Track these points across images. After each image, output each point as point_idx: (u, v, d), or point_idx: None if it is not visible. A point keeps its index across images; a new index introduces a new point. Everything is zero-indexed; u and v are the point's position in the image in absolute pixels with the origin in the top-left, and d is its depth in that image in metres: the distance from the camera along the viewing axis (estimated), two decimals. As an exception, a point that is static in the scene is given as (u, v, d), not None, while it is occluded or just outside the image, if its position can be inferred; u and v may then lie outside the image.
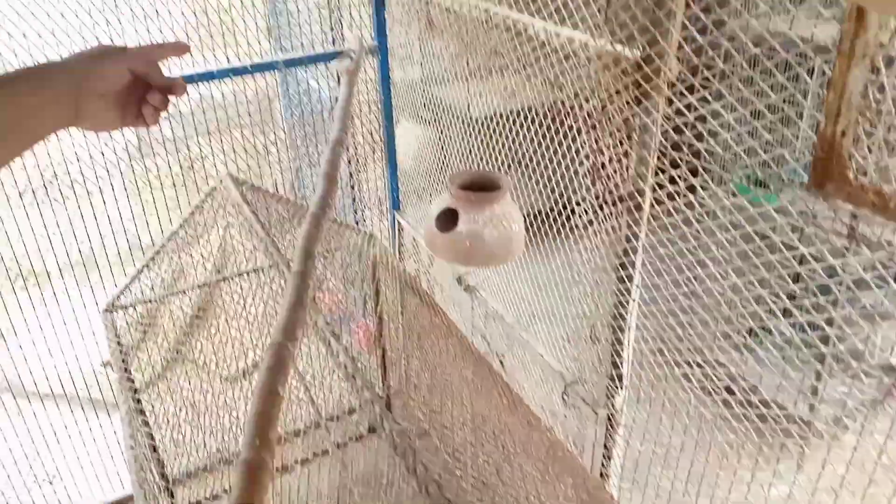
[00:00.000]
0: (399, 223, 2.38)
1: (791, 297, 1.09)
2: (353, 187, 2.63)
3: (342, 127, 1.60)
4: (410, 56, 2.11)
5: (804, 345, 1.48)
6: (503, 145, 1.65)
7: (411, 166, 2.39)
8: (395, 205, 2.36)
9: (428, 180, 2.27)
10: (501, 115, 1.63)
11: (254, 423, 0.83)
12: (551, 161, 1.46)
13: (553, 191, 1.48)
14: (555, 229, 1.52)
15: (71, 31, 1.97)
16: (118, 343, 1.84)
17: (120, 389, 1.71)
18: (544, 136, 1.46)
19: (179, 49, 0.85)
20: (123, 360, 1.85)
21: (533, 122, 1.50)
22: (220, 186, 1.88)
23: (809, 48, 0.90)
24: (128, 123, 0.80)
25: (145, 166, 2.37)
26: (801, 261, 1.02)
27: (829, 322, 1.11)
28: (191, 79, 2.00)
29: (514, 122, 1.58)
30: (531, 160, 1.55)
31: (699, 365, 1.26)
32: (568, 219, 1.42)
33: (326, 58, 2.18)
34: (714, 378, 1.23)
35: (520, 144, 1.58)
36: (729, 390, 1.24)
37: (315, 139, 2.70)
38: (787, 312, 1.13)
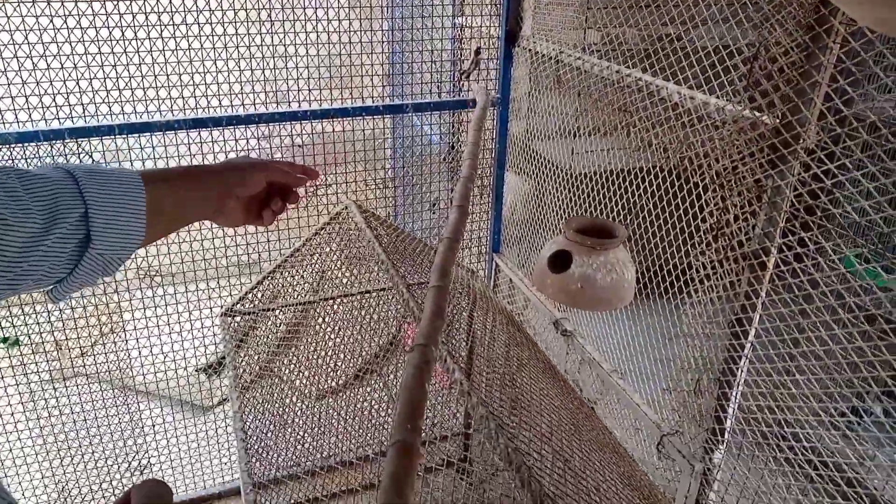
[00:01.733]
0: (497, 264, 2.47)
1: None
2: (454, 227, 2.74)
3: (471, 165, 1.71)
4: (532, 109, 2.23)
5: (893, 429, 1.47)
6: (626, 199, 1.72)
7: (517, 213, 2.48)
8: (496, 247, 2.45)
9: (530, 228, 2.35)
10: (623, 171, 1.71)
11: (405, 409, 0.92)
12: (671, 216, 1.53)
13: (671, 244, 1.54)
14: (667, 282, 1.57)
15: (206, 74, 2.18)
16: (236, 344, 1.96)
17: (233, 386, 1.83)
18: (666, 192, 1.53)
19: (312, 174, 1.01)
20: (236, 361, 1.97)
21: (656, 177, 1.57)
22: (345, 211, 2.02)
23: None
24: (249, 222, 0.94)
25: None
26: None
27: None
28: (327, 113, 2.17)
29: (637, 177, 1.66)
30: (650, 214, 1.62)
31: (787, 437, 1.27)
32: (683, 272, 1.48)
33: (450, 105, 2.32)
34: (804, 452, 1.24)
35: (639, 198, 1.65)
36: (815, 466, 1.24)
37: (423, 179, 2.84)
38: (887, 394, 1.14)
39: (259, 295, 2.21)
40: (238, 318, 2.06)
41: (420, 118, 2.94)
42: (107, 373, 2.91)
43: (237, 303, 2.05)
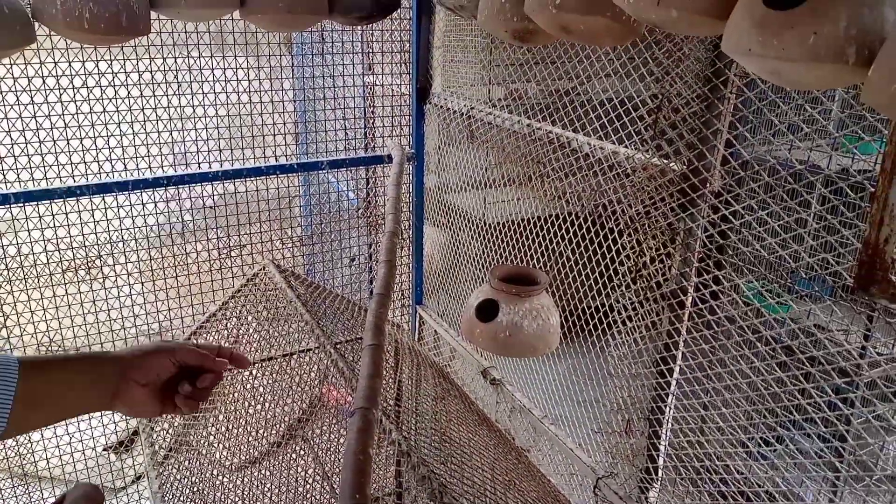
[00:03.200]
0: (421, 316, 2.46)
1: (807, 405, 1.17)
2: (371, 280, 2.72)
3: (395, 219, 1.71)
4: (443, 163, 2.27)
5: (817, 455, 1.54)
6: (544, 247, 1.76)
7: (435, 263, 2.50)
8: (419, 299, 2.45)
9: (448, 278, 2.37)
10: (540, 219, 1.76)
11: (352, 478, 0.89)
12: (589, 261, 1.57)
13: (591, 288, 1.58)
14: (590, 325, 1.61)
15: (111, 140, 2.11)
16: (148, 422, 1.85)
17: (151, 465, 1.71)
18: (583, 238, 1.58)
19: (241, 363, 0.90)
20: (151, 437, 1.86)
21: (572, 224, 1.63)
22: (263, 272, 1.97)
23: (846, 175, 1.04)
24: (167, 411, 0.84)
25: (174, 251, 2.46)
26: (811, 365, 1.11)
27: (845, 433, 1.18)
28: (239, 173, 2.13)
29: (554, 224, 1.71)
30: (569, 260, 1.66)
31: (718, 469, 1.31)
32: (606, 315, 1.52)
33: (365, 161, 2.33)
34: (734, 483, 1.29)
35: (557, 244, 1.70)
36: (747, 497, 1.29)
37: (333, 236, 2.82)
38: (804, 421, 1.20)
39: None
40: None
41: (334, 174, 2.93)
42: (3, 460, 2.67)
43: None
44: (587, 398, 1.72)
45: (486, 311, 1.61)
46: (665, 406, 1.36)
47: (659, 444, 1.40)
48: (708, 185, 1.19)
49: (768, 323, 1.11)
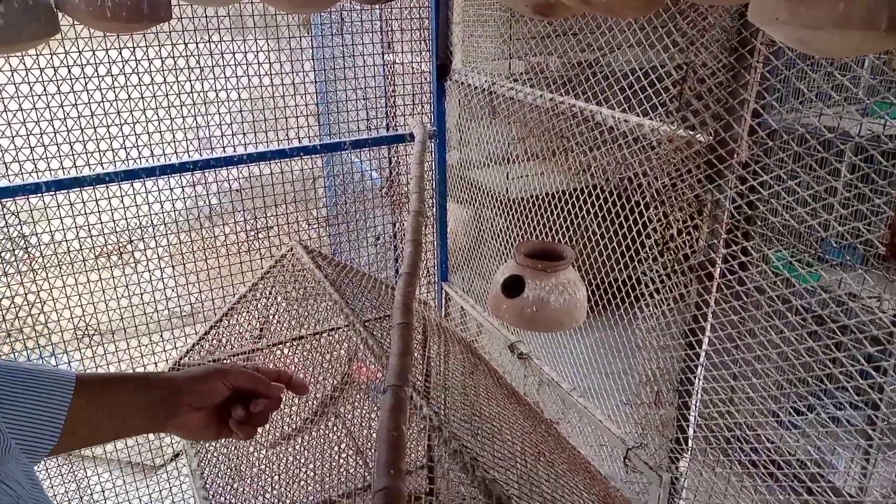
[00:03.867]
0: (447, 293, 2.48)
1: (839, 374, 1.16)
2: (397, 258, 2.74)
3: (419, 198, 1.72)
4: (467, 140, 2.27)
5: (849, 424, 1.54)
6: (570, 221, 1.76)
7: (459, 240, 2.51)
8: (444, 276, 2.46)
9: (472, 255, 2.38)
10: (565, 193, 1.76)
11: (386, 454, 0.91)
12: (616, 234, 1.57)
13: (617, 262, 1.58)
14: (618, 298, 1.61)
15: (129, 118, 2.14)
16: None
17: (188, 443, 1.76)
18: (609, 212, 1.58)
19: (299, 389, 0.89)
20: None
21: (598, 198, 1.62)
22: (290, 253, 1.99)
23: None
24: (223, 435, 0.83)
25: (203, 235, 2.50)
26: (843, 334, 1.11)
27: (880, 397, 1.18)
28: (264, 156, 2.15)
29: (579, 199, 1.70)
30: (595, 234, 1.66)
31: (749, 439, 1.32)
32: (633, 288, 1.52)
33: (387, 140, 2.34)
34: (765, 452, 1.29)
35: (583, 219, 1.70)
36: (778, 465, 1.29)
37: (358, 216, 2.84)
38: (836, 390, 1.20)
39: (207, 345, 2.15)
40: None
41: (356, 154, 2.94)
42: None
43: (185, 355, 1.98)
44: (615, 370, 1.73)
45: (513, 287, 1.62)
46: (694, 377, 1.37)
47: (688, 414, 1.40)
48: (735, 155, 1.18)
49: (798, 293, 1.10)
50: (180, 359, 2.00)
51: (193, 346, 2.00)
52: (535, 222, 1.98)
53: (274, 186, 2.37)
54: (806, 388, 1.34)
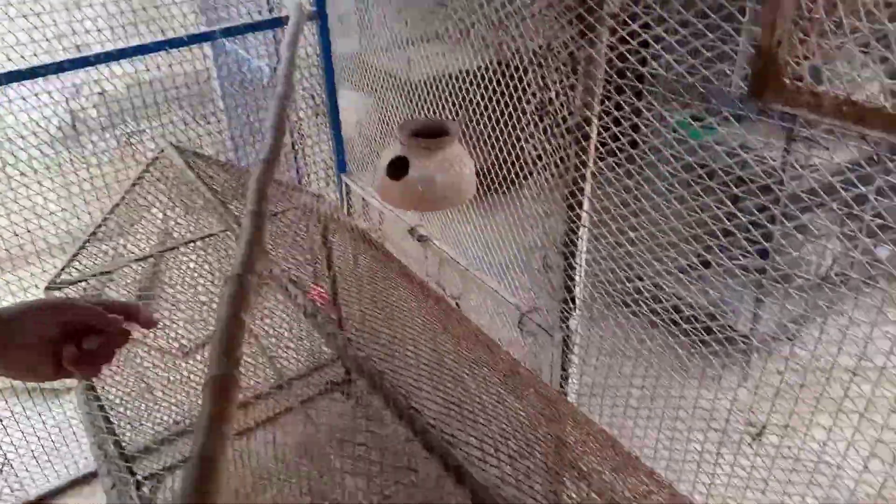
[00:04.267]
0: (347, 185, 2.42)
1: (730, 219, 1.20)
2: (296, 155, 2.65)
3: (286, 83, 1.63)
4: (362, 24, 2.15)
5: (744, 269, 1.62)
6: (452, 103, 1.72)
7: (356, 132, 2.43)
8: (342, 167, 2.40)
9: (378, 144, 2.31)
10: (463, 72, 1.70)
11: (219, 342, 0.87)
12: (497, 105, 1.54)
13: (499, 138, 1.56)
14: (503, 173, 1.61)
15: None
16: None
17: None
18: (498, 84, 1.54)
19: (148, 324, 0.82)
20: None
21: (479, 69, 1.58)
22: (162, 156, 1.87)
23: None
24: (63, 375, 0.76)
25: (81, 146, 2.32)
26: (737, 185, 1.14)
27: (767, 239, 1.23)
28: (124, 54, 1.98)
29: (475, 77, 1.65)
30: (477, 113, 1.63)
31: (642, 291, 1.37)
32: (517, 157, 1.51)
33: (264, 26, 2.19)
34: (661, 300, 1.35)
35: (479, 96, 1.65)
36: (676, 310, 1.36)
37: (255, 107, 2.70)
38: (728, 235, 1.24)
39: (84, 262, 2.03)
40: (67, 291, 1.89)
41: (240, 44, 2.76)
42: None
43: (59, 273, 1.88)
44: (509, 242, 1.75)
45: (399, 168, 1.58)
46: (577, 238, 1.39)
47: (574, 274, 1.44)
48: (605, 6, 1.15)
49: (690, 148, 1.12)
50: (55, 278, 1.89)
51: (67, 264, 1.89)
52: (434, 105, 1.92)
53: (151, 85, 2.21)
54: (700, 243, 1.38)
